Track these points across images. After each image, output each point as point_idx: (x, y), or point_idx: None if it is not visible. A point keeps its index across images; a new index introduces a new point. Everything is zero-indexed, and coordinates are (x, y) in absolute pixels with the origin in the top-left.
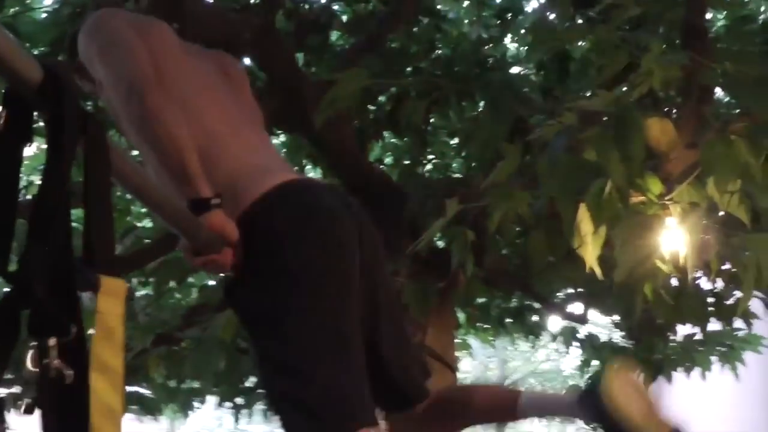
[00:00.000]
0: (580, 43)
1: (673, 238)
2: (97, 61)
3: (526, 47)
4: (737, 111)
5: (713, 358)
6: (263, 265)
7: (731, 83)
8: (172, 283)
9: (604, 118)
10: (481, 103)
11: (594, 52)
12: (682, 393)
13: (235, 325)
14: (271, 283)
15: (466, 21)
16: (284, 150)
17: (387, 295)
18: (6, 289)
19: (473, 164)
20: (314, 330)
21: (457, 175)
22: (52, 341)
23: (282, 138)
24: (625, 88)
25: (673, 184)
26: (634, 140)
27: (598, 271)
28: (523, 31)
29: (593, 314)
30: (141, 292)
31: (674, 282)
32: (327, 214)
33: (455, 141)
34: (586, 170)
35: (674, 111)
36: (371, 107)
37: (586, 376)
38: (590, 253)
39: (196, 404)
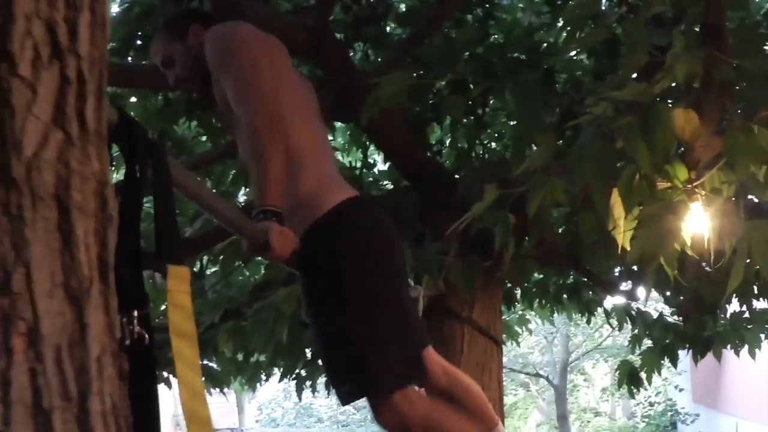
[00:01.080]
0: None
1: (698, 222)
2: (232, 89)
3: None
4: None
5: (762, 337)
6: (343, 252)
7: (744, 79)
8: (238, 262)
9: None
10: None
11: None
12: (734, 373)
13: (296, 299)
14: (351, 268)
15: (520, 5)
16: (348, 133)
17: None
18: None
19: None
20: (385, 306)
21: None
22: (135, 313)
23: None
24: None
25: (700, 171)
26: (659, 130)
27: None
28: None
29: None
30: (210, 270)
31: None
32: (387, 224)
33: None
34: (617, 157)
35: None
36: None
37: (637, 352)
38: (622, 235)
39: (263, 378)
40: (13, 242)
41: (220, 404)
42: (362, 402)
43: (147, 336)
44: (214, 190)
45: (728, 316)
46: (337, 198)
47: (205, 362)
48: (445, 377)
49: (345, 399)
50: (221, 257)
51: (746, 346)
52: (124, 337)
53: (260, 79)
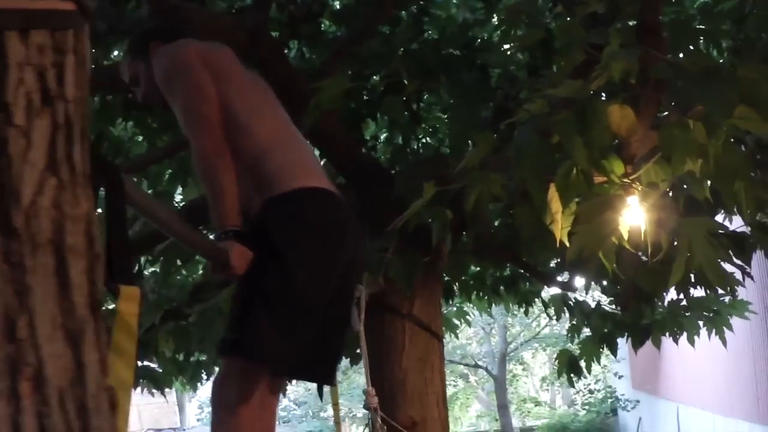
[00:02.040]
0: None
1: (635, 216)
2: (179, 115)
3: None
4: None
5: (701, 324)
6: (280, 234)
7: (679, 76)
8: (178, 262)
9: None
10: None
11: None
12: (674, 360)
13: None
14: (288, 253)
15: (454, 1)
16: None
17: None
18: None
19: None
20: (296, 298)
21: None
22: None
23: None
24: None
25: (637, 165)
26: (595, 126)
27: (567, 245)
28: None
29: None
30: (150, 270)
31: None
32: (341, 226)
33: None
34: (554, 153)
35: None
36: (365, 86)
37: (576, 341)
38: (560, 229)
39: (204, 377)
40: (15, 290)
41: (160, 405)
42: (304, 397)
43: None
44: (150, 191)
45: (666, 304)
46: (300, 184)
47: (146, 363)
48: None
49: (221, 348)
50: (161, 258)
51: (684, 334)
52: None
53: (205, 104)
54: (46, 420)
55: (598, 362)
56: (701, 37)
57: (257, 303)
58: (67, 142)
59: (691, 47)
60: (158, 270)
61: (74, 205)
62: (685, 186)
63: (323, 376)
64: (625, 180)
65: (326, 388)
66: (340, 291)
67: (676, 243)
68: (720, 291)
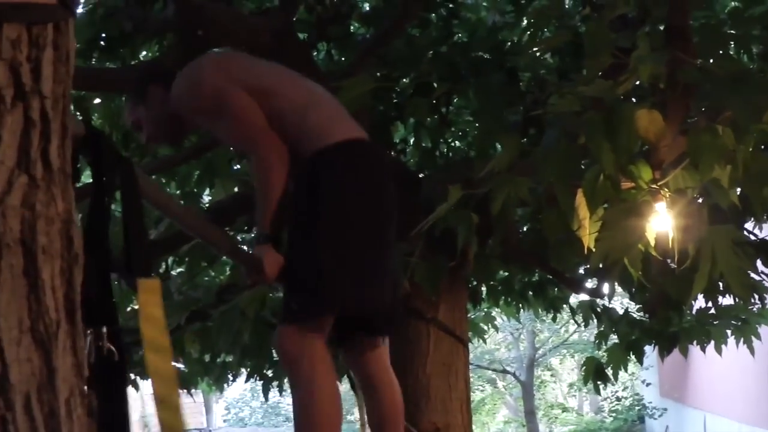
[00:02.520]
0: None
1: (663, 222)
2: (230, 139)
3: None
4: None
5: (728, 333)
6: (330, 185)
7: (708, 81)
8: (204, 263)
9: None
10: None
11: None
12: (701, 368)
13: (259, 301)
14: (331, 202)
15: (484, 3)
16: None
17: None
18: None
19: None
20: (346, 249)
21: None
22: (104, 329)
23: None
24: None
25: (665, 171)
26: (623, 131)
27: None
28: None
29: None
30: (176, 271)
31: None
32: (380, 173)
33: None
34: (581, 157)
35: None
36: (396, 89)
37: (603, 348)
38: (587, 235)
39: (230, 378)
40: None
41: (187, 405)
42: None
43: (117, 353)
44: (178, 191)
45: (694, 312)
46: (342, 136)
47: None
48: (379, 376)
49: (285, 315)
50: (187, 259)
51: (712, 342)
52: (91, 354)
53: (250, 115)
54: (9, 426)
55: (625, 370)
56: (731, 42)
57: (305, 260)
58: (42, 138)
59: (721, 52)
60: (184, 270)
61: (48, 203)
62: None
63: (382, 326)
64: (653, 186)
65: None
66: (388, 235)
67: (701, 250)
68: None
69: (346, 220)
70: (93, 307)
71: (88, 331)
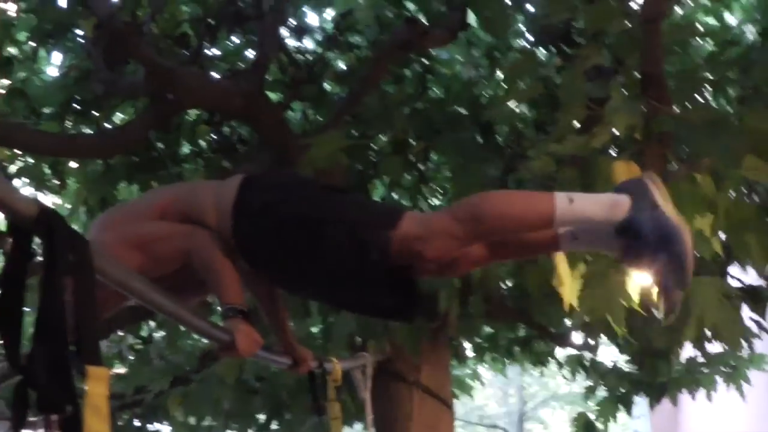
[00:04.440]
0: None
1: (645, 276)
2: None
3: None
4: None
5: (718, 379)
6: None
7: (684, 129)
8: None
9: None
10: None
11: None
12: (693, 415)
13: (238, 366)
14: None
15: (459, 57)
16: None
17: None
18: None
19: None
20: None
21: None
22: (54, 417)
23: None
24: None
25: None
26: (600, 183)
27: (577, 308)
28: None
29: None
30: (158, 334)
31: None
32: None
33: None
34: None
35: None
36: (373, 147)
37: (592, 402)
38: (568, 293)
39: None
40: None
41: None
42: None
43: None
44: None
45: (683, 360)
46: (230, 195)
47: (157, 427)
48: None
49: (372, 272)
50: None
51: (702, 390)
52: None
53: (157, 246)
54: None
55: (615, 421)
56: (708, 86)
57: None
58: None
59: (698, 97)
60: (165, 334)
61: None
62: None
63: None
64: None
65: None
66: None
67: (687, 303)
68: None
69: (297, 195)
70: (42, 395)
71: (39, 418)
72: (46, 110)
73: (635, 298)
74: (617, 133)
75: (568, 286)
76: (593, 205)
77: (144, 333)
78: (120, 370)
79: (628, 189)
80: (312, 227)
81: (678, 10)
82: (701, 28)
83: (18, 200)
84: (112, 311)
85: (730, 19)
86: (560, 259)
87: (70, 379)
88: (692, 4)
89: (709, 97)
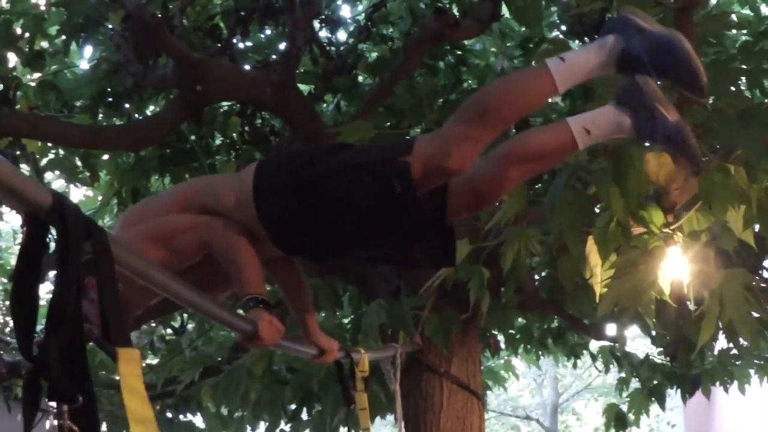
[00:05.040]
0: None
1: (677, 267)
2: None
3: None
4: None
5: (752, 373)
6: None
7: (717, 120)
8: None
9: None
10: None
11: None
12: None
13: (267, 358)
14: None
15: (492, 49)
16: None
17: None
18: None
19: None
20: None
21: None
22: (65, 407)
23: None
24: None
25: (678, 214)
26: (632, 175)
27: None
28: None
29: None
30: (191, 325)
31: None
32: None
33: None
34: (591, 205)
35: None
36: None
37: (625, 394)
38: (599, 283)
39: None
40: None
41: None
42: None
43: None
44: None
45: (716, 353)
46: (248, 180)
47: (189, 418)
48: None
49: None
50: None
51: (735, 382)
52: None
53: (180, 236)
54: None
55: (647, 415)
56: (742, 77)
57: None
58: None
59: (732, 88)
60: (196, 325)
61: None
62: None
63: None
64: (666, 230)
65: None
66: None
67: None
68: None
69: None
70: (54, 385)
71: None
72: (78, 103)
73: (666, 289)
74: None
75: (599, 276)
76: (583, 54)
77: (176, 323)
78: (152, 360)
79: (609, 29)
80: (333, 181)
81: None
82: (735, 19)
83: (31, 189)
84: (142, 309)
85: (765, 9)
86: (591, 249)
87: (83, 369)
88: None
89: (743, 88)
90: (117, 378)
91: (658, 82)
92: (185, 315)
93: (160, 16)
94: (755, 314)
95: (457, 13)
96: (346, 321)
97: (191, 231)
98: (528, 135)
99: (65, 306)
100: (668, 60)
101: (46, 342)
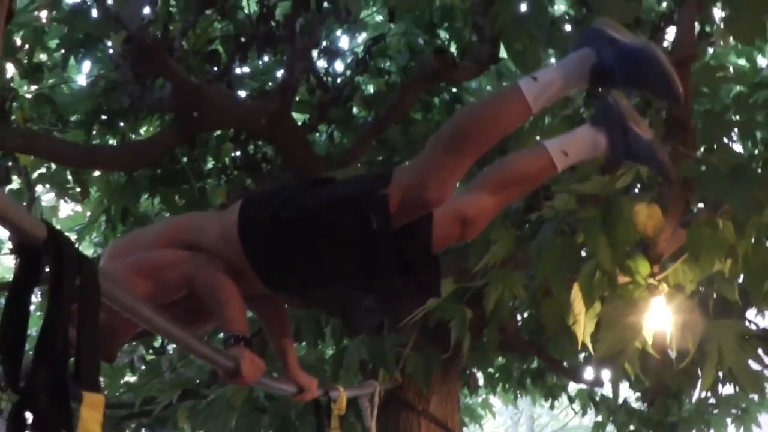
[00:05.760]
0: None
1: (660, 318)
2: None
3: None
4: None
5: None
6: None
7: (707, 174)
8: None
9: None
10: None
11: None
12: None
13: (248, 390)
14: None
15: (488, 87)
16: None
17: None
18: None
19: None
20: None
21: None
22: None
23: None
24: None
25: (664, 265)
26: (620, 225)
27: (590, 347)
28: None
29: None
30: (171, 346)
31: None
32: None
33: None
34: (577, 252)
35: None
36: None
37: None
38: (582, 331)
39: None
40: None
41: None
42: None
43: None
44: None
45: (693, 401)
46: (233, 218)
47: None
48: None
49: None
50: None
51: (712, 431)
52: None
53: (164, 274)
54: None
55: None
56: (735, 129)
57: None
58: None
59: (725, 139)
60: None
61: None
62: (714, 285)
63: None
64: (651, 281)
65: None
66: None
67: (705, 345)
68: None
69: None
70: (40, 417)
71: None
72: (73, 118)
73: (649, 339)
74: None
75: (582, 324)
76: (555, 71)
77: (156, 344)
78: (130, 378)
79: (583, 42)
80: (314, 217)
81: (709, 49)
82: (731, 70)
83: (27, 221)
84: (128, 337)
85: (762, 61)
86: (576, 296)
87: (67, 403)
88: (722, 43)
89: (736, 138)
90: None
91: (633, 98)
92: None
93: (160, 37)
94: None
95: (455, 51)
96: (327, 352)
97: (176, 266)
98: (508, 161)
99: (55, 337)
100: (641, 71)
101: (35, 373)
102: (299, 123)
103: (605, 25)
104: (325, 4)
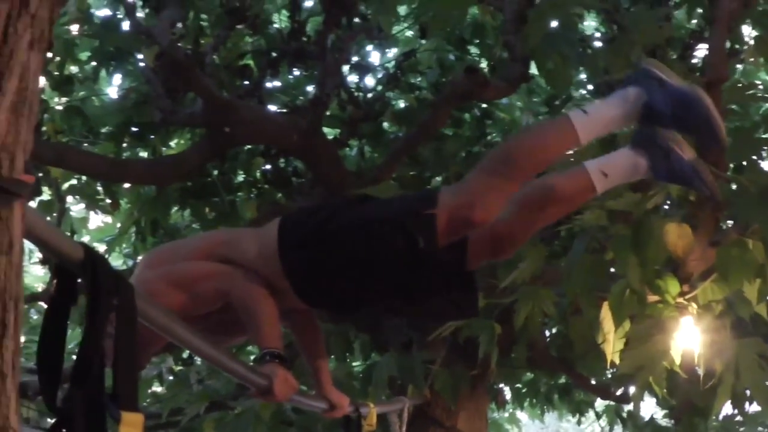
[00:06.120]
0: None
1: (689, 338)
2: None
3: None
4: None
5: None
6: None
7: (737, 195)
8: None
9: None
10: None
11: None
12: None
13: (276, 404)
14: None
15: (518, 104)
16: None
17: None
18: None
19: None
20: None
21: None
22: None
23: None
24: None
25: (694, 284)
26: (650, 245)
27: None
28: None
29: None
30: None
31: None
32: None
33: None
34: (607, 271)
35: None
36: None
37: None
38: (611, 349)
39: None
40: None
41: None
42: None
43: None
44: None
45: (720, 418)
46: (272, 235)
47: None
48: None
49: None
50: None
51: None
52: None
53: (200, 285)
54: None
55: None
56: (764, 146)
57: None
58: None
59: (754, 157)
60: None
61: None
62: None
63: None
64: (680, 300)
65: None
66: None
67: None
68: None
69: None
70: None
71: None
72: (103, 130)
73: (677, 359)
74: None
75: (611, 342)
76: (606, 107)
77: (185, 355)
78: (157, 388)
79: (631, 81)
80: (358, 235)
81: (738, 66)
82: (761, 87)
83: (64, 242)
84: (160, 347)
85: None
86: (606, 315)
87: (104, 423)
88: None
89: (766, 155)
90: None
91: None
92: None
93: (191, 52)
94: None
95: (486, 68)
96: (356, 366)
97: (212, 279)
98: (546, 181)
99: (93, 359)
100: (689, 114)
101: (72, 394)
102: (330, 138)
103: (653, 66)
104: (356, 19)
